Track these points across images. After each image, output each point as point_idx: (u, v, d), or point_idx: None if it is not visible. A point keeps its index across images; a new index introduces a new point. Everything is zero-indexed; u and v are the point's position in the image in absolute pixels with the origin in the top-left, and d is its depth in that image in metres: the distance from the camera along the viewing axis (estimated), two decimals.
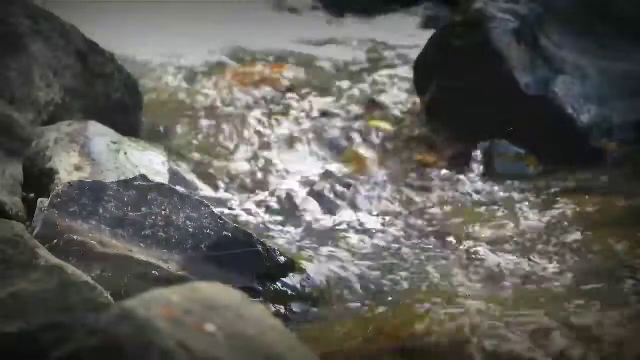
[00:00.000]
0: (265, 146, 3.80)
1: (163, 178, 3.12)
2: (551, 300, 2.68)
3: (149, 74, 4.31)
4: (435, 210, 3.35)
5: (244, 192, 3.54)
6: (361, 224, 3.25)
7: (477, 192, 3.47)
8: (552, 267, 2.90)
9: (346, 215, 3.32)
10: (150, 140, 3.59)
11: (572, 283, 2.79)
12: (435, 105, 3.88)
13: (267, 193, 3.49)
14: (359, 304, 2.73)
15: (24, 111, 3.30)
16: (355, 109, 4.03)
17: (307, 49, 4.66)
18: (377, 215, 3.32)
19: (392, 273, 2.90)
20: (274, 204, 3.42)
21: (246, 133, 3.88)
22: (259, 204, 3.43)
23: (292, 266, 2.73)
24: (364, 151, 3.79)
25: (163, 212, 2.70)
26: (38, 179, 3.11)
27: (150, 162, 3.23)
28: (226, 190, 3.53)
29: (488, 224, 3.21)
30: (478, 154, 3.63)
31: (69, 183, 2.75)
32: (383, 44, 4.76)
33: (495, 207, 3.34)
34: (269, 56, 4.53)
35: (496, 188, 3.48)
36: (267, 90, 4.17)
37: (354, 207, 3.39)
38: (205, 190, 3.47)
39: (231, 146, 3.79)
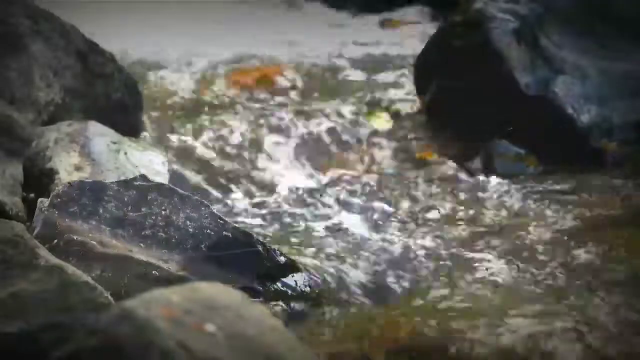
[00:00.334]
0: (266, 146, 3.80)
1: (163, 178, 3.12)
2: (550, 300, 2.68)
3: (149, 74, 4.31)
4: (436, 210, 3.35)
5: (244, 192, 3.54)
6: (361, 224, 3.25)
7: (477, 192, 3.47)
8: (552, 267, 2.90)
9: (346, 215, 3.31)
10: (150, 140, 3.60)
11: (570, 283, 2.79)
12: (435, 105, 3.88)
13: (266, 193, 3.49)
14: (358, 304, 2.73)
15: (24, 111, 3.30)
16: (356, 109, 4.03)
17: (307, 49, 4.66)
18: (377, 215, 3.32)
19: (392, 273, 2.90)
20: (274, 204, 3.43)
21: (246, 133, 3.88)
22: (258, 204, 3.43)
23: (292, 266, 2.73)
24: (363, 151, 3.79)
25: (163, 212, 2.70)
26: (38, 179, 3.11)
27: (150, 162, 3.23)
28: (227, 191, 3.54)
29: (488, 224, 3.21)
30: (478, 154, 3.63)
31: (69, 183, 2.75)
32: (383, 44, 4.76)
33: (495, 208, 3.34)
34: (269, 56, 4.53)
35: (496, 188, 3.47)
36: (267, 91, 4.17)
37: (354, 207, 3.39)
38: (208, 191, 3.47)
39: (232, 146, 3.79)
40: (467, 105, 3.75)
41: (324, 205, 3.39)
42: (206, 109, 4.04)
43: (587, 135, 3.65)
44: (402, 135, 3.87)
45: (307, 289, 2.70)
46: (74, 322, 1.62)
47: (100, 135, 3.25)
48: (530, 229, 3.14)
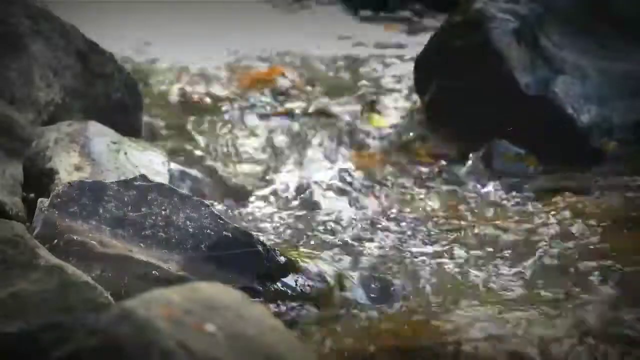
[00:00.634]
0: (266, 146, 3.80)
1: (163, 178, 3.12)
2: (547, 299, 2.68)
3: (149, 74, 4.31)
4: (436, 211, 3.35)
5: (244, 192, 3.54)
6: (361, 224, 3.25)
7: (477, 192, 3.47)
8: (550, 268, 2.90)
9: (346, 215, 3.31)
10: (151, 140, 3.59)
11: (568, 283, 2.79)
12: (435, 105, 3.88)
13: (266, 193, 3.49)
14: (359, 304, 2.73)
15: (24, 111, 3.30)
16: (356, 109, 4.03)
17: (307, 50, 4.66)
18: (377, 215, 3.32)
19: (393, 273, 2.90)
20: (273, 204, 3.43)
21: (246, 134, 3.88)
22: (259, 204, 3.43)
23: (292, 266, 2.73)
24: (363, 151, 3.79)
25: (163, 212, 2.70)
26: (38, 179, 3.11)
27: (150, 162, 3.23)
28: (228, 191, 3.53)
29: (488, 225, 3.21)
30: (478, 153, 3.63)
31: (69, 183, 2.75)
32: (384, 43, 4.76)
33: (495, 208, 3.34)
34: (271, 56, 4.53)
35: (496, 188, 3.47)
36: (268, 90, 4.17)
37: (354, 206, 3.39)
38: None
39: (233, 147, 3.79)
40: (467, 105, 3.75)
41: (322, 204, 3.39)
42: (206, 109, 4.04)
43: (587, 135, 3.65)
44: (402, 135, 3.87)
45: (307, 289, 2.70)
46: (74, 322, 1.62)
47: (100, 135, 3.25)
48: (530, 229, 3.14)
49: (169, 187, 2.79)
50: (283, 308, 2.64)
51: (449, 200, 3.43)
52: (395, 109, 4.04)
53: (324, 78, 4.36)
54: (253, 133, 3.88)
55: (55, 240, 2.60)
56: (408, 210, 3.36)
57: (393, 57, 4.55)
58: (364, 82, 4.29)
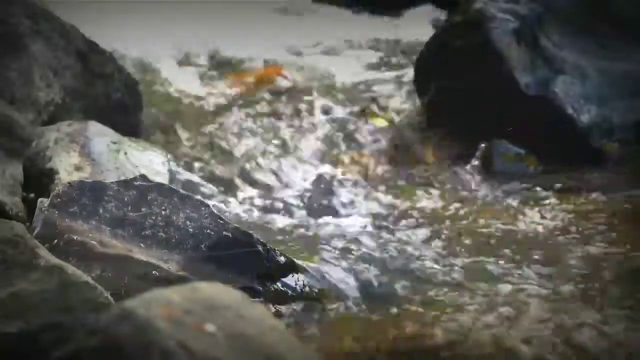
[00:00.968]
0: (265, 146, 3.80)
1: (163, 178, 3.12)
2: (546, 300, 2.68)
3: (149, 74, 4.31)
4: (436, 211, 3.35)
5: (244, 192, 3.54)
6: (361, 224, 3.25)
7: (477, 192, 3.47)
8: (550, 268, 2.90)
9: (346, 215, 3.31)
10: (150, 140, 3.60)
11: (568, 283, 2.79)
12: (435, 105, 3.88)
13: (265, 193, 3.49)
14: (359, 304, 2.73)
15: (24, 111, 3.30)
16: (356, 109, 4.03)
17: (308, 49, 4.66)
18: (378, 215, 3.32)
19: (393, 273, 2.90)
20: (273, 204, 3.43)
21: (246, 133, 3.88)
22: (257, 204, 3.43)
23: (292, 266, 2.73)
24: (364, 151, 3.79)
25: (163, 212, 2.70)
26: (38, 179, 3.11)
27: (150, 162, 3.23)
28: (228, 191, 3.54)
29: (488, 225, 3.21)
30: (478, 154, 3.63)
31: (69, 183, 2.75)
32: (384, 43, 4.76)
33: (495, 208, 3.34)
34: (269, 57, 4.53)
35: (496, 188, 3.47)
36: (266, 91, 4.17)
37: (354, 206, 3.39)
38: (210, 190, 3.48)
39: (231, 147, 3.79)
40: (467, 105, 3.75)
41: (322, 204, 3.39)
42: (206, 109, 4.04)
43: (587, 135, 3.65)
44: (402, 135, 3.87)
45: (307, 288, 2.70)
46: (74, 322, 1.62)
47: (100, 135, 3.25)
48: (530, 229, 3.14)
49: (169, 187, 2.79)
50: (283, 308, 2.64)
51: (449, 200, 3.43)
52: (395, 109, 4.04)
53: (323, 78, 4.36)
54: (251, 132, 3.88)
55: (55, 240, 2.60)
56: (408, 210, 3.36)
57: (393, 57, 4.56)
58: (364, 82, 4.29)
